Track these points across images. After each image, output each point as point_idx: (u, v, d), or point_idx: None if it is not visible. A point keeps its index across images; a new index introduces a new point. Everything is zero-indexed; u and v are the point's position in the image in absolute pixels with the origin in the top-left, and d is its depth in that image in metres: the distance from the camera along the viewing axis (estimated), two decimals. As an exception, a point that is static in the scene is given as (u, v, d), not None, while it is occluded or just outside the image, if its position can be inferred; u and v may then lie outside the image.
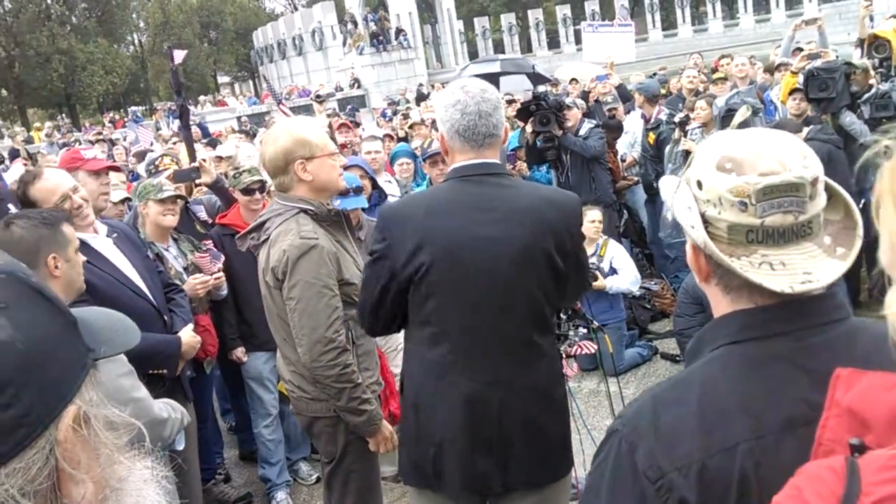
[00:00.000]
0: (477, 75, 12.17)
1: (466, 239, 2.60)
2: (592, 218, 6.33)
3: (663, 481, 1.22)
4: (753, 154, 1.30)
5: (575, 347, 3.27)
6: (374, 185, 5.41)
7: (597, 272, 6.17)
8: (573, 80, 12.57)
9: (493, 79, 12.98)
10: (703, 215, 1.33)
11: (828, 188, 1.35)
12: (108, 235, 3.73)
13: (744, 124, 6.18)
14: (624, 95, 10.08)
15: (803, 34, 10.40)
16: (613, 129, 8.43)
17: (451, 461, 2.72)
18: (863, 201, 3.65)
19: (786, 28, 10.11)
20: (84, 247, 3.27)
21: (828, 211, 1.34)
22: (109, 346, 0.94)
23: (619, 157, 8.46)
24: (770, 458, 1.18)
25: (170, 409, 2.94)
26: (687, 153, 6.98)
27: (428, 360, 2.73)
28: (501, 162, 2.84)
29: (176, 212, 4.67)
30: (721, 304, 1.37)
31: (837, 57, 7.87)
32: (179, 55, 5.84)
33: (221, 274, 4.70)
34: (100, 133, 18.28)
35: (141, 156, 10.46)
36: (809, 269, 1.27)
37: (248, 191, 4.90)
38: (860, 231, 1.33)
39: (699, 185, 1.34)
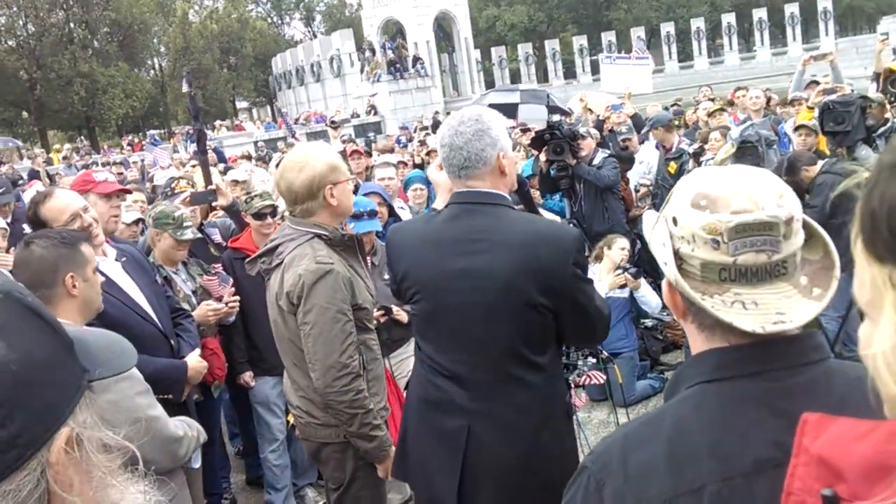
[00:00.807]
0: (495, 104, 12.36)
1: (449, 270, 2.65)
2: (622, 246, 6.51)
3: None
4: (728, 192, 1.29)
5: (584, 377, 3.26)
6: (391, 211, 5.42)
7: (630, 274, 6.25)
8: (588, 108, 12.58)
9: (511, 108, 13.10)
10: (677, 252, 1.32)
11: (807, 227, 1.34)
12: (116, 259, 3.75)
13: (738, 158, 6.15)
14: (639, 125, 10.09)
15: (819, 68, 10.40)
16: (625, 160, 8.44)
17: (420, 477, 2.89)
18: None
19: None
20: None
21: (806, 250, 1.33)
22: (106, 367, 0.93)
23: (630, 186, 8.45)
24: (740, 501, 1.17)
25: (186, 427, 2.94)
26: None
27: (421, 376, 2.85)
28: (511, 189, 2.83)
29: (187, 248, 4.75)
30: (697, 341, 1.36)
31: (853, 91, 7.86)
32: (185, 85, 5.97)
33: (237, 300, 4.71)
34: (122, 161, 18.40)
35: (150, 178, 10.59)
36: (783, 309, 1.25)
37: (259, 215, 4.92)
38: (837, 272, 1.31)
39: (674, 221, 1.33)
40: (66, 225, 3.50)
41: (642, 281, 6.49)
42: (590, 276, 5.79)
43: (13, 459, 0.76)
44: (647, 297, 6.51)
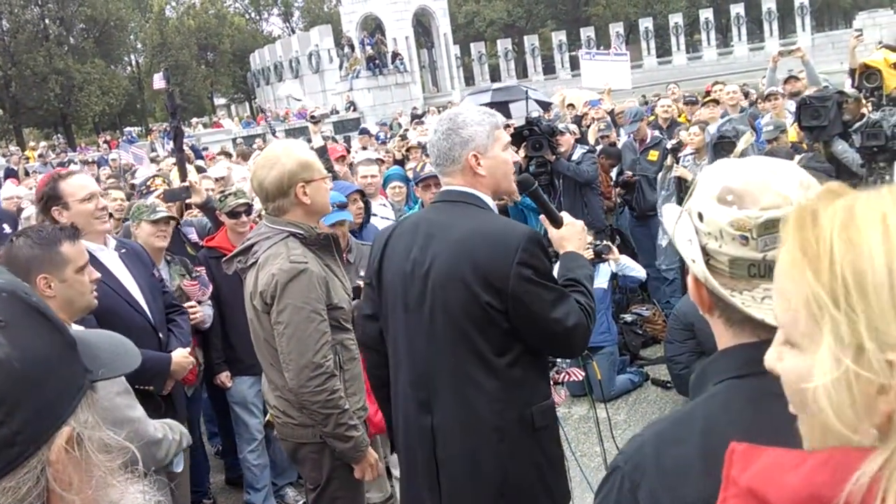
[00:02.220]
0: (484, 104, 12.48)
1: (405, 264, 2.72)
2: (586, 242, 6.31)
3: None
4: (755, 186, 1.27)
5: (563, 374, 3.25)
6: (367, 209, 5.40)
7: (597, 250, 6.22)
8: (569, 105, 12.63)
9: (503, 107, 13.18)
10: (704, 248, 1.30)
11: None
12: (115, 249, 3.84)
13: (745, 152, 6.19)
14: (616, 121, 10.12)
15: (796, 63, 10.46)
16: (612, 156, 8.46)
17: (402, 477, 2.96)
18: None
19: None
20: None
21: None
22: (109, 368, 0.93)
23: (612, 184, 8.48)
24: None
25: (167, 430, 2.91)
26: (680, 179, 6.98)
27: (393, 378, 2.89)
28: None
29: (168, 233, 4.66)
30: (724, 336, 1.34)
31: (828, 86, 7.91)
32: (158, 81, 5.94)
33: (198, 311, 4.65)
34: (97, 160, 18.16)
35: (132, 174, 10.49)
36: None
37: (233, 214, 4.87)
38: None
39: (700, 217, 1.31)
40: (82, 202, 3.63)
41: (618, 252, 6.48)
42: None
43: (14, 457, 0.76)
44: (630, 265, 6.47)
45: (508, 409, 2.66)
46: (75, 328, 0.95)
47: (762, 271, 1.26)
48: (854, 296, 0.73)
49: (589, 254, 6.16)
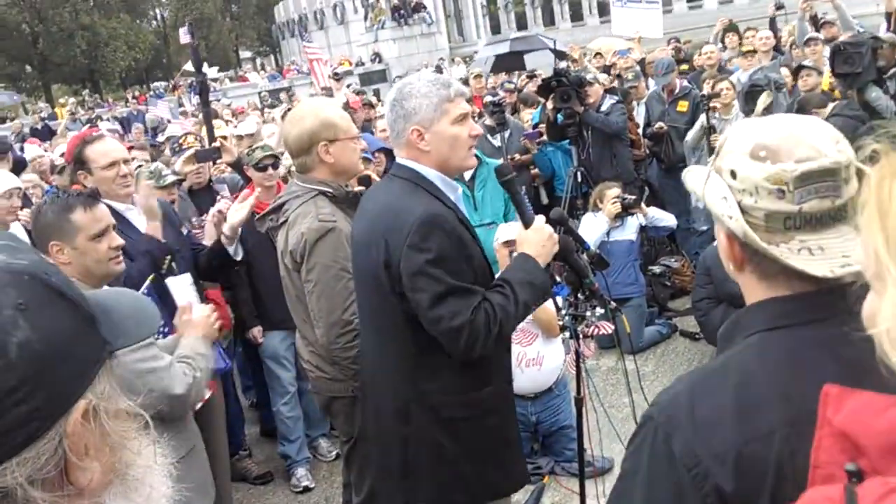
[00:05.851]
0: (498, 55, 12.36)
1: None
2: (614, 195, 6.26)
3: (699, 469, 1.23)
4: (787, 141, 1.30)
5: (593, 328, 3.26)
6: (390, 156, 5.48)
7: (626, 204, 6.20)
8: (597, 54, 12.44)
9: (518, 57, 12.99)
10: (739, 204, 1.32)
11: (857, 171, 1.34)
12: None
13: (767, 110, 6.09)
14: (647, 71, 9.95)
15: (827, 8, 10.17)
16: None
17: None
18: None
19: (814, -1, 9.82)
20: (116, 216, 3.46)
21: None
22: (127, 337, 0.96)
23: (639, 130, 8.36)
24: (806, 447, 1.15)
25: (190, 370, 2.82)
26: (708, 132, 6.88)
27: None
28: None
29: (176, 197, 4.74)
30: (756, 290, 1.36)
31: (862, 31, 7.72)
32: (185, 36, 5.96)
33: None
34: (124, 117, 18.21)
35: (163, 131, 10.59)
36: (847, 251, 1.26)
37: (260, 167, 4.89)
38: None
39: (733, 174, 1.33)
40: (104, 169, 3.68)
41: (646, 207, 6.44)
42: (587, 223, 5.74)
43: (33, 431, 0.81)
44: (659, 216, 6.43)
45: (405, 390, 2.66)
46: (98, 294, 0.98)
47: (798, 223, 1.28)
48: None
49: (616, 207, 6.12)
